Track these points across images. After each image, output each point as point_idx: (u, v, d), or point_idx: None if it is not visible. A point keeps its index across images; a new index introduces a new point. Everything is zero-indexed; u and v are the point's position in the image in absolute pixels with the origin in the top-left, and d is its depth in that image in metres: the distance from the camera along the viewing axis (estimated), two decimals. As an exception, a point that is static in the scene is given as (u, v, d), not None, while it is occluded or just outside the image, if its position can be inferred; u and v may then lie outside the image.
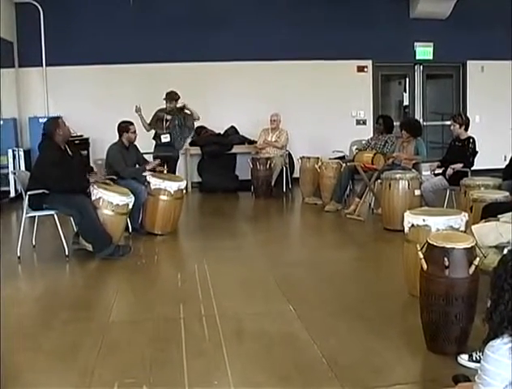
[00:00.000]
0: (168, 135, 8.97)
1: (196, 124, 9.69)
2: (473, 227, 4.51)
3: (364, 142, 9.37)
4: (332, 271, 5.54)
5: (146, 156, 7.85)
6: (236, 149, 10.89)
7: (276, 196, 10.08)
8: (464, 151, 7.35)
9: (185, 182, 7.45)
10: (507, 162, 6.80)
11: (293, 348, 3.79)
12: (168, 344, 3.86)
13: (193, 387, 3.29)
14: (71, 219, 6.30)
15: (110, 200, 6.10)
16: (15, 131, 10.45)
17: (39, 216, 6.34)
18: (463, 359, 3.39)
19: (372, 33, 11.36)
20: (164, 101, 9.07)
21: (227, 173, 10.88)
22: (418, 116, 12.27)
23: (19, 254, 6.05)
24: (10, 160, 9.78)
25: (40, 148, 6.24)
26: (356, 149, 9.58)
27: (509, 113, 11.84)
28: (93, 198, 6.10)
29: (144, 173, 7.21)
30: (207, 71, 10.99)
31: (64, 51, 10.55)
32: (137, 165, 7.50)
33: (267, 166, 9.85)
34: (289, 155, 10.75)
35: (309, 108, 11.41)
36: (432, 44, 11.91)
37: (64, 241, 6.06)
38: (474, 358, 3.33)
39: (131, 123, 7.42)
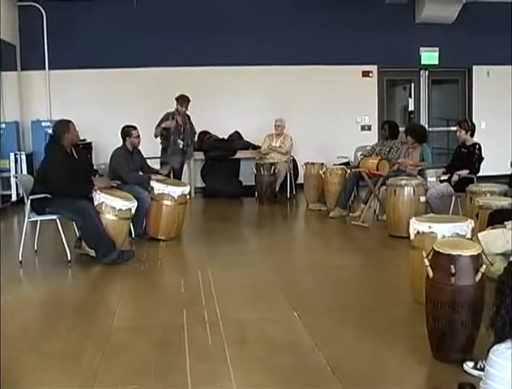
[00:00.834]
0: (181, 141, 8.79)
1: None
2: (479, 234, 4.50)
3: (368, 148, 9.34)
4: (337, 278, 5.51)
5: (152, 161, 7.83)
6: (240, 154, 10.87)
7: (280, 202, 10.04)
8: (470, 157, 7.31)
9: (188, 187, 7.43)
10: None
11: (297, 354, 3.77)
12: (172, 350, 3.85)
13: (196, 393, 3.26)
14: (74, 223, 6.29)
15: (113, 205, 6.07)
16: (17, 135, 10.42)
17: (41, 221, 6.32)
18: (469, 367, 3.36)
19: (377, 38, 11.35)
20: (176, 103, 8.87)
21: (231, 179, 10.85)
22: (423, 121, 12.23)
23: (20, 259, 6.04)
24: (12, 163, 9.75)
25: (46, 150, 6.23)
26: (361, 155, 9.55)
27: (515, 119, 11.78)
28: (96, 202, 6.08)
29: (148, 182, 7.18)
30: (212, 76, 10.99)
31: (67, 54, 10.56)
32: (140, 171, 7.48)
33: (271, 172, 9.80)
34: (293, 160, 10.72)
35: (314, 113, 11.38)
36: (437, 49, 11.88)
37: (66, 246, 6.04)
38: (479, 366, 3.29)
39: (134, 127, 7.37)
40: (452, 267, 3.40)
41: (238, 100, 11.10)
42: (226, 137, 11.05)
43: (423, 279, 3.69)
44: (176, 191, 7.07)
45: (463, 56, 11.63)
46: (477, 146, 7.32)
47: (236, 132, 11.09)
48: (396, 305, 4.65)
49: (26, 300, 5.17)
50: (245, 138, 11.08)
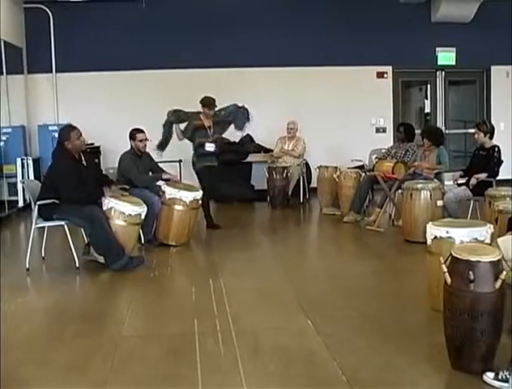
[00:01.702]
0: (213, 144, 8.22)
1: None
2: (499, 239, 4.39)
3: (384, 150, 9.23)
4: (352, 285, 5.46)
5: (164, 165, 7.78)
6: (251, 158, 10.79)
7: (293, 206, 9.97)
8: (489, 160, 7.18)
9: (201, 192, 7.34)
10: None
11: (312, 364, 3.71)
12: (182, 360, 3.80)
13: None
14: (82, 230, 6.26)
15: (122, 210, 6.03)
16: (24, 139, 10.41)
17: (48, 227, 6.30)
18: (489, 377, 3.27)
19: (392, 38, 11.28)
20: (202, 107, 8.29)
21: (242, 183, 10.78)
22: (440, 123, 12.11)
23: (27, 266, 6.00)
24: (19, 169, 9.74)
25: (53, 155, 6.19)
26: (376, 158, 9.46)
27: (536, 120, 11.62)
28: (105, 207, 6.04)
29: (158, 182, 7.11)
30: (222, 78, 10.92)
31: (74, 57, 10.56)
32: (150, 174, 7.43)
33: (284, 175, 9.74)
34: (306, 164, 10.64)
35: (327, 115, 11.32)
36: (454, 49, 11.76)
37: (74, 253, 6.00)
38: (500, 377, 3.22)
39: (140, 131, 7.32)
40: (471, 273, 3.33)
41: (250, 103, 10.94)
42: (237, 140, 10.97)
43: (440, 285, 3.62)
44: (188, 196, 7.01)
45: (481, 56, 11.51)
46: (496, 148, 7.20)
47: (248, 135, 10.99)
48: (413, 313, 4.57)
49: (33, 308, 5.13)
50: (257, 142, 11.02)
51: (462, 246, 3.92)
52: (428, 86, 12.42)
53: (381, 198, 8.17)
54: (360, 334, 4.15)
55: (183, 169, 10.66)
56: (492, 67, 11.97)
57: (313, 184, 10.24)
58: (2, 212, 9.17)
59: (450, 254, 3.52)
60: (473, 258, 3.37)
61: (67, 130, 6.18)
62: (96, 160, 10.04)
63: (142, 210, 6.23)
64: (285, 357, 3.79)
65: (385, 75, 11.73)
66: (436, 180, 7.61)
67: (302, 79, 11.18)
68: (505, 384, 3.18)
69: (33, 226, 6.08)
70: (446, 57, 11.82)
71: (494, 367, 3.34)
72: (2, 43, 9.48)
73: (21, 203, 9.64)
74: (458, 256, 3.43)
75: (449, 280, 3.44)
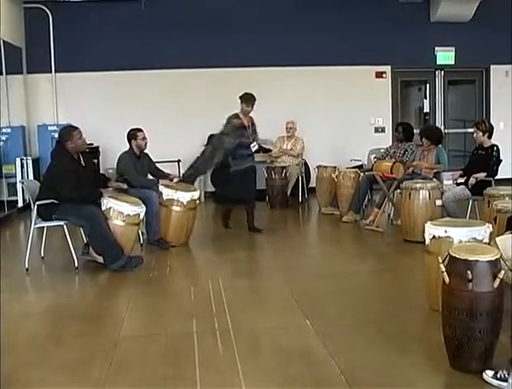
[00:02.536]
0: (256, 144, 7.85)
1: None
2: (497, 239, 4.39)
3: (382, 150, 9.24)
4: (350, 284, 5.45)
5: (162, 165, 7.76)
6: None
7: (292, 206, 9.98)
8: (488, 159, 7.19)
9: (198, 192, 7.34)
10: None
11: (310, 363, 3.70)
12: (181, 359, 3.79)
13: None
14: (81, 230, 6.25)
15: (121, 210, 6.03)
16: (23, 139, 10.38)
17: (48, 227, 6.29)
18: (489, 376, 3.27)
19: (391, 38, 11.28)
20: (241, 103, 7.68)
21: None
22: (439, 123, 12.12)
23: (27, 266, 5.99)
24: (18, 169, 9.71)
25: (52, 155, 6.18)
26: (375, 158, 9.47)
27: (535, 120, 11.62)
28: (103, 208, 6.03)
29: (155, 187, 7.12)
30: (222, 77, 10.94)
31: (74, 57, 10.53)
32: (150, 174, 7.43)
33: (283, 175, 9.75)
34: (305, 164, 10.63)
35: (326, 115, 11.31)
36: (453, 48, 11.77)
37: (73, 253, 5.98)
38: (499, 376, 3.22)
39: (139, 130, 7.31)
40: (469, 272, 3.32)
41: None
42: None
43: (439, 285, 3.61)
44: (185, 196, 7.00)
45: (480, 55, 11.50)
46: (495, 148, 7.21)
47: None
48: (411, 312, 4.57)
49: (32, 308, 5.11)
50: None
51: (461, 246, 3.91)
52: (428, 85, 12.41)
53: (379, 197, 8.15)
54: (358, 333, 4.15)
55: (182, 169, 10.66)
56: (492, 67, 11.97)
57: (312, 184, 10.22)
58: (2, 212, 9.16)
59: (449, 253, 3.52)
60: (471, 258, 3.36)
61: (69, 130, 6.17)
62: (95, 161, 10.00)
63: (141, 210, 6.23)
64: (284, 357, 3.78)
65: (384, 75, 11.73)
66: (434, 179, 7.63)
67: (301, 79, 11.16)
68: (504, 383, 3.17)
69: (32, 226, 6.07)
70: (445, 56, 11.82)
71: (493, 366, 3.33)
72: (2, 43, 9.46)
73: (20, 203, 9.62)
74: (457, 255, 3.42)
75: (447, 280, 3.43)
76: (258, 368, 3.64)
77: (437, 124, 11.93)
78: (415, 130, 8.83)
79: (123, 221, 6.03)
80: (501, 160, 7.22)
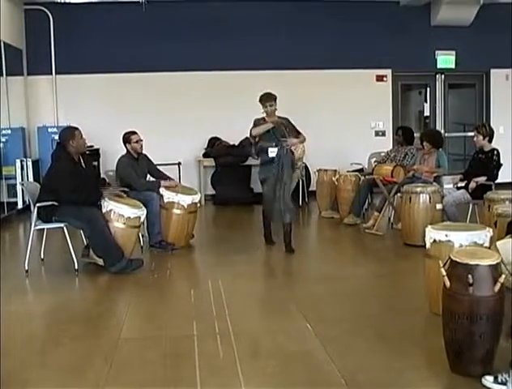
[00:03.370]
0: (275, 149, 6.95)
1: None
2: (498, 243, 4.42)
3: (383, 154, 9.24)
4: (350, 288, 5.44)
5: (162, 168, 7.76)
6: (251, 161, 10.76)
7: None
8: (488, 163, 7.19)
9: (199, 196, 7.35)
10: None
11: (310, 366, 3.70)
12: (181, 362, 3.79)
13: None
14: (81, 232, 6.25)
15: (121, 213, 6.03)
16: (23, 141, 10.36)
17: (48, 229, 6.28)
18: (488, 381, 3.26)
19: (391, 41, 11.25)
20: (261, 104, 7.13)
21: (241, 186, 10.77)
22: (439, 127, 12.08)
23: (26, 268, 5.97)
24: (18, 170, 9.68)
25: (53, 157, 6.18)
26: (375, 161, 9.45)
27: (535, 124, 11.61)
28: (104, 210, 6.03)
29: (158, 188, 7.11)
30: (222, 81, 10.93)
31: (74, 59, 10.52)
32: (150, 175, 7.44)
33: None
34: (306, 167, 10.61)
35: (327, 119, 11.30)
36: (454, 52, 11.74)
37: (73, 255, 5.98)
38: (500, 380, 3.21)
39: (133, 133, 7.30)
40: (470, 276, 3.32)
41: (249, 106, 10.96)
42: (237, 143, 10.97)
43: (439, 289, 3.61)
44: (186, 200, 7.01)
45: (481, 59, 11.49)
46: (495, 152, 7.21)
47: (247, 138, 10.98)
48: (412, 316, 4.56)
49: (32, 310, 5.12)
50: (257, 145, 10.99)
51: (462, 250, 3.91)
52: (428, 89, 12.38)
53: (380, 201, 8.15)
54: (358, 337, 4.14)
55: (182, 172, 10.67)
56: (492, 70, 11.95)
57: (313, 187, 10.22)
58: (2, 214, 9.14)
59: (449, 257, 3.52)
60: (472, 262, 3.36)
61: (71, 130, 6.20)
62: (95, 163, 10.00)
63: (142, 212, 6.24)
64: (284, 360, 3.78)
65: (384, 78, 11.70)
66: (435, 183, 7.62)
67: (302, 83, 11.14)
68: (504, 387, 3.17)
69: (32, 228, 6.06)
70: (446, 60, 11.80)
71: (493, 370, 3.33)
72: (2, 44, 9.46)
73: (20, 205, 9.61)
74: (457, 260, 3.42)
75: (448, 284, 3.43)
76: (258, 370, 3.63)
77: (437, 128, 11.91)
78: (415, 134, 8.85)
79: (123, 224, 6.03)
80: (501, 164, 7.23)
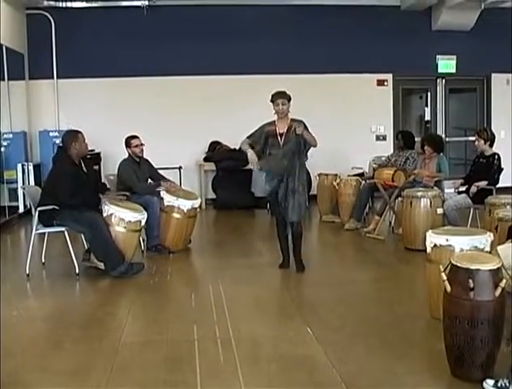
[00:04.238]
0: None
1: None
2: (499, 247, 4.40)
3: (384, 158, 9.23)
4: (351, 292, 5.43)
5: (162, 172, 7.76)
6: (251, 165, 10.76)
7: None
8: (489, 168, 7.18)
9: (199, 200, 7.35)
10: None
11: (311, 370, 3.70)
12: (182, 366, 3.79)
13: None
14: (82, 236, 6.25)
15: (122, 217, 6.03)
16: (25, 145, 10.36)
17: (49, 233, 6.29)
18: (489, 385, 3.25)
19: (392, 46, 11.26)
20: (273, 103, 6.27)
21: (242, 190, 10.73)
22: (440, 131, 12.07)
23: (27, 272, 5.99)
24: (20, 174, 9.69)
25: (54, 161, 6.19)
26: (376, 165, 9.43)
27: (536, 128, 11.60)
28: (105, 214, 6.04)
29: (158, 189, 7.12)
30: (223, 85, 10.93)
31: (76, 63, 10.52)
32: (150, 180, 7.44)
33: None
34: (306, 171, 10.56)
35: (327, 123, 11.24)
36: (455, 56, 11.75)
37: (74, 259, 5.99)
38: (500, 385, 3.20)
39: (134, 137, 7.34)
40: (470, 281, 3.32)
41: (250, 110, 11.01)
42: (238, 147, 10.95)
43: (440, 293, 3.62)
44: (186, 204, 7.02)
45: (482, 64, 11.48)
46: (496, 156, 7.21)
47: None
48: (413, 321, 4.56)
49: (33, 313, 5.11)
50: (257, 149, 10.99)
51: (462, 254, 3.90)
52: (429, 93, 12.39)
53: (380, 205, 8.14)
54: (359, 341, 4.14)
55: (183, 176, 10.67)
56: (493, 75, 11.95)
57: (313, 191, 10.19)
58: (3, 218, 9.14)
59: (450, 262, 3.52)
60: (473, 267, 3.36)
61: (74, 133, 6.23)
62: (97, 167, 10.02)
63: (142, 216, 6.23)
64: (284, 364, 3.78)
65: (385, 83, 11.70)
66: (436, 188, 7.61)
67: (303, 87, 11.07)
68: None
69: (33, 232, 6.07)
70: (447, 64, 11.80)
71: (494, 375, 3.32)
72: (4, 49, 9.47)
73: (21, 209, 9.61)
74: (458, 264, 3.42)
75: (449, 288, 3.43)
76: (258, 375, 3.63)
77: (438, 132, 11.90)
78: (416, 139, 8.83)
79: (124, 228, 6.03)
80: (502, 169, 7.22)
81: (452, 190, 7.59)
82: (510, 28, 11.06)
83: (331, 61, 11.13)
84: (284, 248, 6.28)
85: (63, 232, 6.00)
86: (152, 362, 3.85)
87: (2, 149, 9.68)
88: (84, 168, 6.24)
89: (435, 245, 4.44)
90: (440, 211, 6.96)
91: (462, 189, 7.34)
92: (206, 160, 10.82)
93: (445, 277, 3.48)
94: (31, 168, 9.80)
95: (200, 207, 7.64)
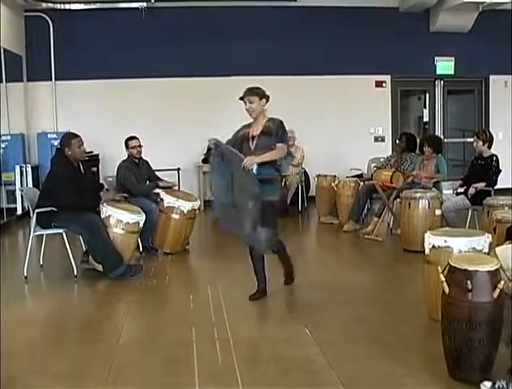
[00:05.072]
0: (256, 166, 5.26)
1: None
2: (497, 249, 4.41)
3: (382, 159, 9.24)
4: (350, 294, 5.42)
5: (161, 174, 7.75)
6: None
7: (291, 215, 9.93)
8: (487, 169, 7.19)
9: (198, 202, 7.37)
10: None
11: (309, 372, 3.70)
12: (180, 368, 3.79)
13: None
14: (80, 237, 6.25)
15: (120, 218, 6.03)
16: (23, 147, 10.37)
17: (47, 235, 6.27)
18: (487, 387, 3.24)
19: (391, 47, 11.28)
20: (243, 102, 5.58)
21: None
22: (438, 132, 12.09)
23: (26, 274, 5.98)
24: (18, 176, 9.71)
25: (52, 163, 6.18)
26: (375, 167, 9.45)
27: (534, 130, 11.61)
28: (103, 215, 6.04)
29: (156, 190, 7.13)
30: (220, 86, 10.90)
31: (74, 65, 10.53)
32: (148, 181, 7.45)
33: (282, 184, 9.68)
34: (305, 173, 10.61)
35: (326, 124, 11.31)
36: (453, 58, 11.77)
37: (73, 261, 5.99)
38: (498, 386, 3.19)
39: (131, 138, 7.36)
40: (469, 282, 3.31)
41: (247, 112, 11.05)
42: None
43: (438, 295, 3.60)
44: (186, 206, 7.02)
45: (480, 65, 11.51)
46: (494, 158, 7.21)
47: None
48: (411, 322, 4.55)
49: (31, 316, 5.10)
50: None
51: (461, 256, 3.91)
52: (427, 95, 12.41)
53: (379, 207, 8.14)
54: (357, 343, 4.13)
55: (181, 177, 10.66)
56: (491, 77, 11.98)
57: (312, 193, 10.21)
58: (1, 220, 9.16)
59: (448, 263, 3.51)
60: (471, 268, 3.35)
61: (68, 138, 6.17)
62: (95, 169, 10.02)
63: (141, 218, 6.23)
64: (283, 366, 3.77)
65: (383, 84, 11.73)
66: (434, 189, 7.61)
67: (301, 88, 11.16)
68: (504, 393, 3.17)
69: (32, 234, 6.07)
70: (445, 66, 11.83)
71: (492, 376, 3.31)
72: (2, 51, 9.49)
73: (19, 211, 9.62)
74: (457, 265, 3.41)
75: (447, 290, 3.42)
76: (257, 377, 3.63)
77: (436, 133, 11.92)
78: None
79: (122, 229, 6.03)
80: (500, 170, 7.22)
81: (450, 192, 7.60)
82: (509, 30, 11.05)
83: (330, 63, 11.15)
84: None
85: (61, 234, 5.99)
86: (150, 364, 3.85)
87: (0, 151, 9.70)
88: (82, 170, 6.23)
89: (433, 247, 4.42)
90: (438, 212, 6.95)
91: (461, 190, 7.34)
92: (204, 161, 10.81)
93: (443, 278, 3.47)
94: (29, 170, 9.82)
95: (199, 209, 7.63)
